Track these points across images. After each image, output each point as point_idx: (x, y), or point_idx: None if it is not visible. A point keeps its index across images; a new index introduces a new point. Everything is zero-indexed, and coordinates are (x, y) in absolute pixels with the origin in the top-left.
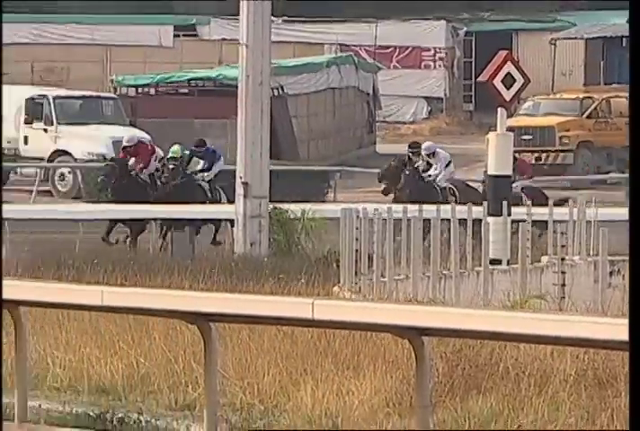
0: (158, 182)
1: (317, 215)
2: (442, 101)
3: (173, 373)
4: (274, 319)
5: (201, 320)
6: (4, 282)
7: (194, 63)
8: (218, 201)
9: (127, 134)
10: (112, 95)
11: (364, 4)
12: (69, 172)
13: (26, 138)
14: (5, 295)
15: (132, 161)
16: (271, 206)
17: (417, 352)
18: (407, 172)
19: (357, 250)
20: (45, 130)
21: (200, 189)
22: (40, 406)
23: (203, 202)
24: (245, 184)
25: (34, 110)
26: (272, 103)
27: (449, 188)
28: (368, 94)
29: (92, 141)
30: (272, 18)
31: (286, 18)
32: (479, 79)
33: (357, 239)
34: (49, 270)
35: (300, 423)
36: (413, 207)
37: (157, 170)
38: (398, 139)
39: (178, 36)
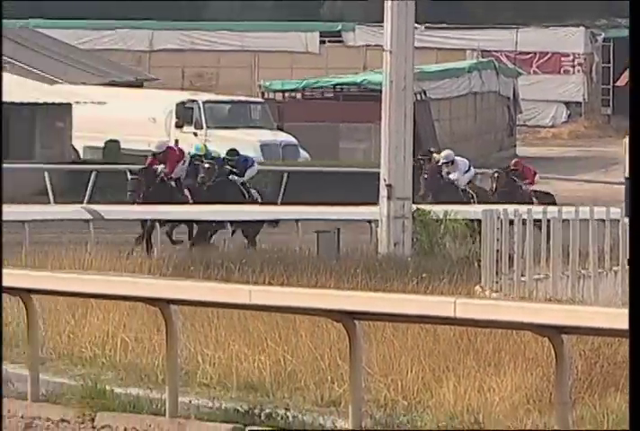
0: (194, 183)
1: (459, 217)
2: (581, 106)
3: (319, 370)
4: (417, 317)
5: (347, 318)
6: (156, 281)
7: (339, 68)
8: (254, 201)
9: (274, 137)
10: (260, 100)
11: (504, 11)
12: None
13: (177, 141)
14: (157, 294)
15: (161, 166)
16: (414, 207)
17: (557, 350)
18: (426, 174)
19: (498, 251)
20: (195, 134)
21: (237, 188)
22: (190, 402)
23: (240, 201)
24: (389, 186)
25: (184, 115)
26: (415, 107)
27: (467, 190)
28: (508, 99)
29: (240, 144)
30: (415, 25)
31: (428, 25)
32: (617, 84)
33: (498, 239)
34: (199, 270)
35: (443, 419)
36: (552, 208)
37: (188, 173)
38: (538, 142)
39: (324, 42)
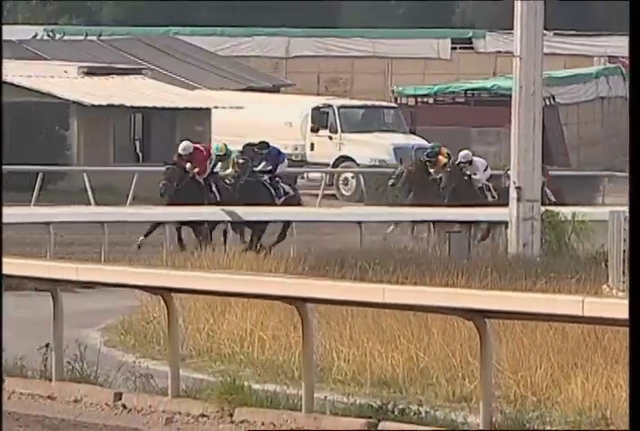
0: (226, 181)
1: (587, 218)
2: None
3: (451, 367)
4: (546, 315)
5: (477, 316)
6: (293, 280)
7: (470, 74)
8: (281, 198)
9: (406, 141)
10: (393, 105)
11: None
12: (352, 177)
13: (312, 145)
14: (293, 293)
15: (188, 165)
16: (542, 208)
17: None
18: (449, 171)
19: (624, 251)
20: (330, 138)
21: (264, 188)
22: (325, 397)
23: (268, 202)
24: (519, 188)
25: (320, 119)
26: (544, 112)
27: (486, 185)
28: None
29: (374, 148)
30: (544, 31)
31: (557, 31)
32: None
33: (625, 240)
34: (334, 270)
35: (571, 414)
36: None
37: (214, 172)
38: None
39: (455, 49)
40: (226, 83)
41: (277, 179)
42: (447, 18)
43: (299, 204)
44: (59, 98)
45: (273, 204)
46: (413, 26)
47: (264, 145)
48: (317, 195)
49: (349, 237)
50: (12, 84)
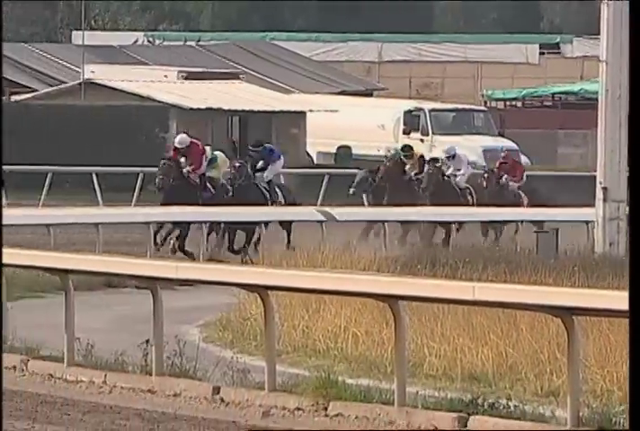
0: (222, 182)
1: None
2: None
3: (539, 363)
4: None
5: (565, 313)
6: (386, 279)
7: (557, 78)
8: (275, 202)
9: (495, 143)
10: (483, 108)
11: None
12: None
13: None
14: (386, 291)
15: (183, 160)
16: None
17: None
18: (430, 172)
19: None
20: (421, 140)
21: (258, 191)
22: (417, 392)
23: (262, 204)
24: (605, 189)
25: (412, 122)
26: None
27: (468, 188)
28: None
29: (464, 150)
30: None
31: None
32: None
33: None
34: (425, 268)
35: None
36: None
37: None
38: None
39: (543, 54)
40: (320, 87)
41: (272, 182)
42: (535, 24)
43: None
44: (159, 101)
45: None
46: (503, 32)
47: (258, 143)
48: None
49: (439, 236)
50: (113, 89)
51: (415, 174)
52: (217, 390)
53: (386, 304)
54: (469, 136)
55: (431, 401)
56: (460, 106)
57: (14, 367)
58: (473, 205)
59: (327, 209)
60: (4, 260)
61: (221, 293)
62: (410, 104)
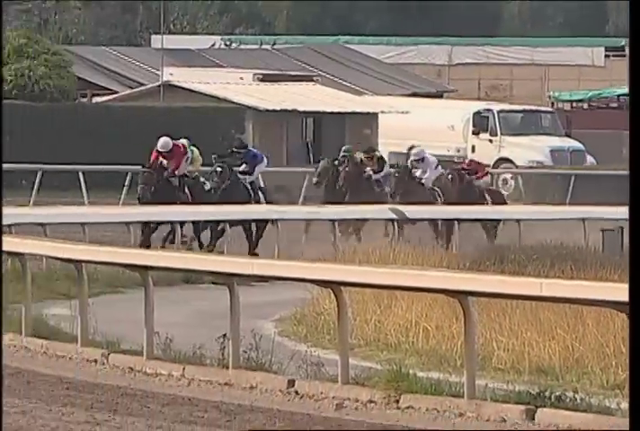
0: (206, 186)
1: None
2: None
3: (605, 356)
4: None
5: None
6: (456, 275)
7: (622, 80)
8: (259, 202)
9: (562, 144)
10: (550, 109)
11: None
12: (511, 178)
13: (473, 147)
14: (456, 287)
15: (165, 163)
16: None
17: None
18: (397, 174)
19: None
20: (490, 140)
21: (245, 190)
22: (485, 385)
23: (247, 203)
24: None
25: (481, 123)
26: None
27: (434, 189)
28: None
29: (532, 150)
30: None
31: None
32: None
33: None
34: (494, 264)
35: None
36: None
37: (189, 172)
38: None
39: (608, 56)
40: (392, 89)
41: (254, 183)
42: (601, 27)
43: None
44: (235, 103)
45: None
46: (569, 35)
47: (242, 144)
48: None
49: (508, 234)
50: (191, 90)
51: (375, 175)
52: (291, 383)
53: (455, 300)
54: (537, 137)
55: (500, 394)
56: (528, 107)
57: (96, 361)
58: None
59: (399, 207)
60: (86, 257)
61: (295, 288)
62: (479, 105)
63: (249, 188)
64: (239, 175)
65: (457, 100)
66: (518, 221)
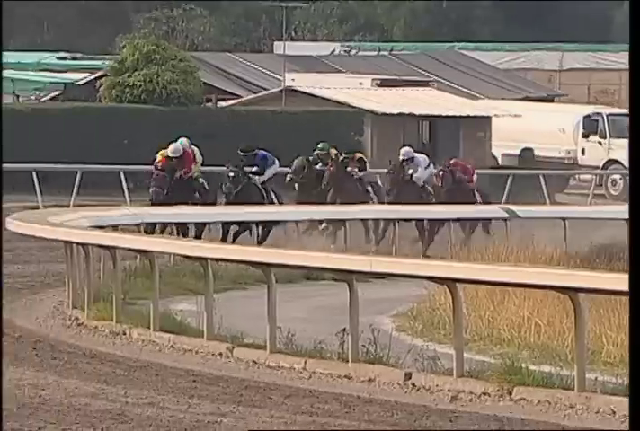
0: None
1: None
2: None
3: None
4: None
5: None
6: (566, 272)
7: None
8: (272, 203)
9: None
10: None
11: None
12: (620, 179)
13: (583, 150)
14: (567, 283)
15: (177, 169)
16: None
17: None
18: (392, 173)
19: None
20: (600, 143)
21: (258, 192)
22: (595, 378)
23: (261, 204)
24: None
25: (590, 126)
26: None
27: (427, 187)
28: None
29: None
30: None
31: None
32: None
33: None
34: (603, 262)
35: None
36: None
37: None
38: None
39: None
40: (505, 93)
41: (265, 183)
42: None
43: None
44: (355, 107)
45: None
46: None
47: (248, 148)
48: (588, 194)
49: (616, 232)
50: (312, 95)
51: (357, 173)
52: (408, 375)
53: (566, 296)
54: None
55: (609, 387)
56: None
57: (221, 354)
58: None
59: (511, 207)
60: (214, 255)
61: (412, 285)
62: (589, 109)
63: (261, 188)
64: (250, 176)
65: (568, 103)
66: (625, 220)
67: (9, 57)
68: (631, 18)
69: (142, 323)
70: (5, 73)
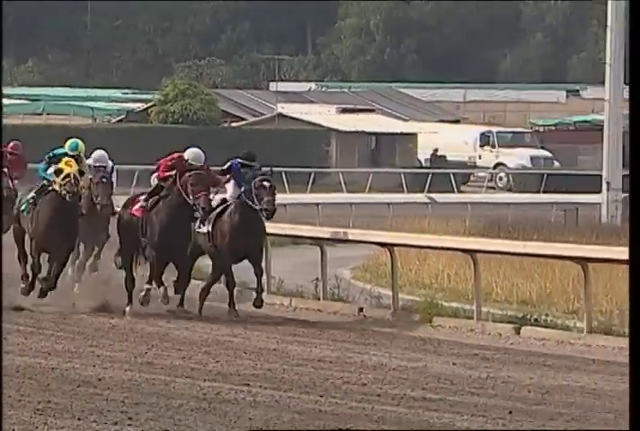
0: None
1: None
2: None
3: (565, 293)
4: (624, 260)
5: (582, 261)
6: (467, 239)
7: (577, 112)
8: None
9: (538, 153)
10: (530, 131)
11: None
12: (505, 175)
13: (480, 156)
14: (468, 247)
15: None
16: (623, 195)
17: None
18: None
19: None
20: (491, 151)
21: None
22: (488, 311)
23: None
24: (608, 183)
25: (485, 140)
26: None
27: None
28: None
29: (518, 157)
30: (623, 85)
31: None
32: None
33: None
34: (494, 232)
35: None
36: None
37: None
38: None
39: (568, 96)
40: (426, 117)
41: None
42: (562, 73)
43: None
44: (324, 127)
45: None
46: (543, 82)
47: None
48: (483, 186)
49: (504, 212)
50: (295, 118)
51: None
52: (361, 309)
53: (468, 255)
54: (521, 149)
55: (497, 317)
56: (516, 129)
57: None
58: None
59: (431, 195)
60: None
61: (363, 249)
62: (484, 128)
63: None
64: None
65: (469, 124)
66: (509, 204)
67: (90, 92)
68: (631, 18)
69: None
70: (88, 103)
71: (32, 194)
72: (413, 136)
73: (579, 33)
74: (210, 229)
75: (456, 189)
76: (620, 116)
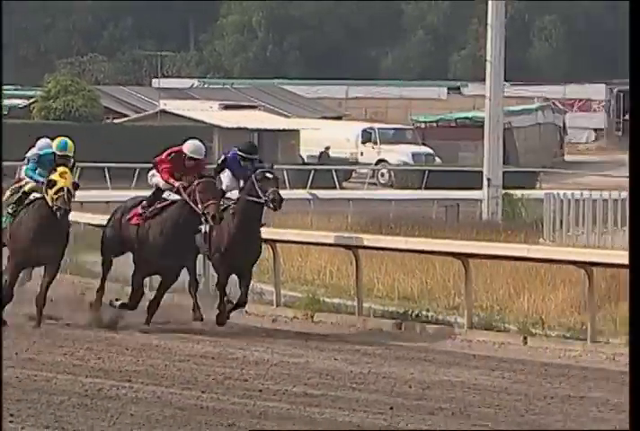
0: None
1: (531, 197)
2: (603, 131)
3: (446, 288)
4: (504, 257)
5: (463, 257)
6: (346, 235)
7: (457, 108)
8: None
9: (419, 149)
10: (411, 127)
11: (561, 70)
12: (386, 172)
13: (362, 152)
14: (350, 243)
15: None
16: (503, 191)
17: (589, 275)
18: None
19: (554, 218)
20: (373, 148)
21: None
22: (369, 307)
23: None
24: (489, 179)
25: (366, 136)
26: (504, 132)
27: None
28: (559, 127)
29: (400, 154)
30: (504, 83)
31: (512, 82)
32: (625, 117)
33: (553, 210)
34: (375, 228)
35: (521, 318)
36: (587, 191)
37: None
38: (577, 153)
39: (449, 93)
40: (308, 114)
41: None
42: (442, 72)
43: None
44: (207, 123)
45: None
46: (424, 78)
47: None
48: (364, 182)
49: (384, 208)
50: (178, 115)
51: None
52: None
53: (350, 251)
54: (403, 145)
55: (379, 313)
56: (397, 126)
57: None
58: None
59: (313, 191)
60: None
61: None
62: (365, 125)
63: None
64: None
65: (351, 121)
66: (390, 201)
67: None
68: (631, 18)
69: None
70: None
71: (12, 205)
72: (295, 132)
73: (460, 31)
74: (207, 229)
75: (338, 186)
76: (500, 113)
